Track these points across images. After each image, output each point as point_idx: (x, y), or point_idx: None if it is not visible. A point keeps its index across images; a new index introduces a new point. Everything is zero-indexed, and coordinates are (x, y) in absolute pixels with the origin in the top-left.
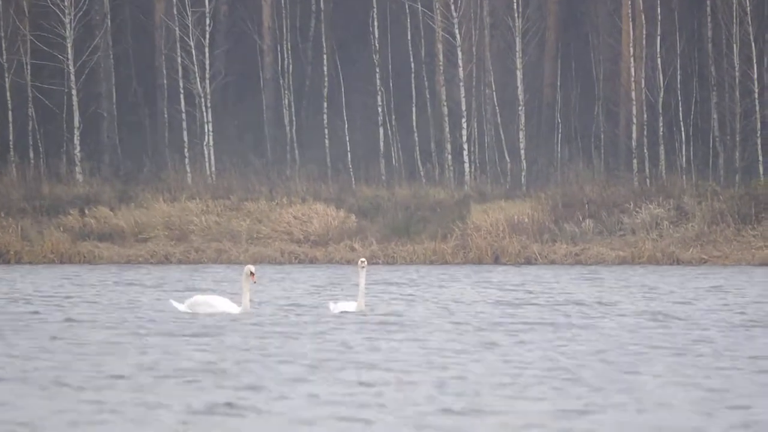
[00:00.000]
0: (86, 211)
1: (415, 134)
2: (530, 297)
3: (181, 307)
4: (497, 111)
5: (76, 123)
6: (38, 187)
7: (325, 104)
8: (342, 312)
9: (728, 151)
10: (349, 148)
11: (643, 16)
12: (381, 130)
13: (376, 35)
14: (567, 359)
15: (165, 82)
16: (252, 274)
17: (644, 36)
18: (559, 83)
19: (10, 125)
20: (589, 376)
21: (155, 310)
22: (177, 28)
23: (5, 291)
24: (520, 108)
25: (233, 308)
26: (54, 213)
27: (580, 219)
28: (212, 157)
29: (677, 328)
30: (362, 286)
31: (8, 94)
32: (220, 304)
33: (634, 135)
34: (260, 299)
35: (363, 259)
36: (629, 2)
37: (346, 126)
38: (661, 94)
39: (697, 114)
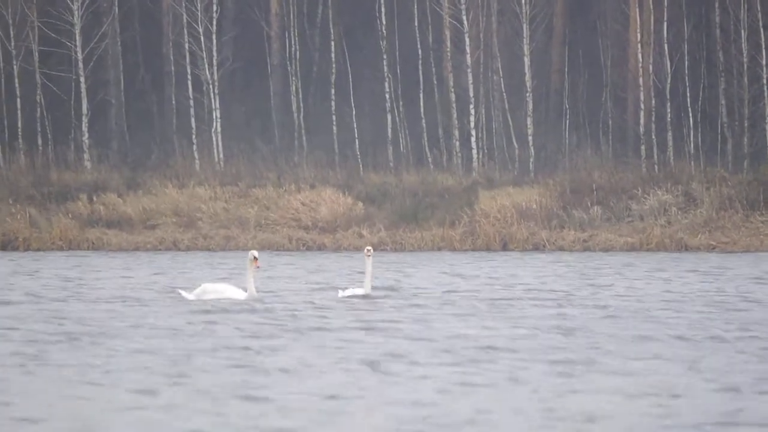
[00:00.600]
0: (94, 198)
1: (423, 120)
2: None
3: (190, 296)
4: (505, 97)
5: (84, 110)
6: (46, 174)
7: (333, 90)
8: (350, 296)
9: (736, 136)
10: (356, 135)
11: (650, 2)
12: (389, 117)
13: (384, 21)
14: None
15: (173, 68)
16: (255, 259)
17: (652, 22)
18: (566, 69)
19: (19, 112)
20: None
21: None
22: (185, 15)
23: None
24: (527, 94)
25: (240, 294)
26: (62, 200)
27: (589, 205)
28: (220, 144)
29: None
30: (369, 271)
31: (16, 81)
32: (227, 290)
33: (642, 121)
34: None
35: (369, 248)
36: None
37: (354, 112)
38: (669, 80)
39: (705, 100)
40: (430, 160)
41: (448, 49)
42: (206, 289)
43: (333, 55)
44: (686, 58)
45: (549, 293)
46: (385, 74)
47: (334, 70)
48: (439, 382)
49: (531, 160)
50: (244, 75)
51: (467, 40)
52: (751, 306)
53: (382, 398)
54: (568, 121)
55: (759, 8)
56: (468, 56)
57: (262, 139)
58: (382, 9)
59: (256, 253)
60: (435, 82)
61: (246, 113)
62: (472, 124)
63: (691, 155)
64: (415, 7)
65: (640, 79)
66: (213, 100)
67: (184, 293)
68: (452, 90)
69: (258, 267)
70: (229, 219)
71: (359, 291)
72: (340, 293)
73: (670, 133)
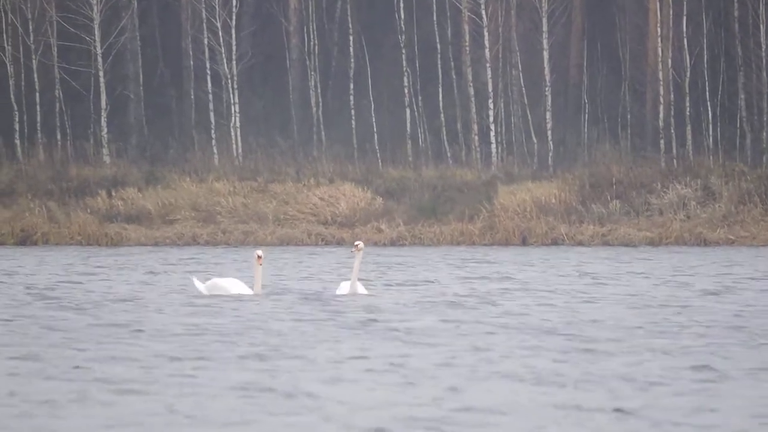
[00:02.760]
0: (113, 193)
1: (442, 115)
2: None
3: (202, 288)
4: (524, 92)
5: (103, 104)
6: (65, 168)
7: (351, 85)
8: (338, 294)
9: (755, 131)
10: (375, 129)
11: None
12: (407, 111)
13: (402, 16)
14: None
15: (191, 63)
16: (259, 257)
17: (671, 16)
18: (585, 64)
19: (38, 107)
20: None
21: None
22: (203, 9)
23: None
24: (546, 88)
25: (246, 291)
26: (81, 194)
27: (608, 199)
28: (239, 139)
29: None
30: (356, 269)
31: (35, 75)
32: (234, 287)
33: (661, 115)
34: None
35: (358, 243)
36: None
37: (373, 107)
38: (688, 74)
39: (724, 94)
40: (449, 154)
41: (467, 44)
42: (216, 284)
43: (351, 49)
44: (705, 52)
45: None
46: (404, 68)
47: (352, 65)
48: None
49: (550, 154)
50: (262, 70)
51: (486, 34)
52: None
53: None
54: (587, 116)
55: None
56: (487, 50)
57: (280, 134)
58: (401, 3)
59: (260, 251)
60: (454, 76)
61: (265, 108)
62: (491, 119)
63: (710, 149)
64: (434, 1)
65: (659, 73)
66: (232, 95)
67: (197, 283)
68: (471, 84)
69: (260, 265)
70: (248, 214)
71: (344, 290)
72: (338, 290)
73: (689, 127)
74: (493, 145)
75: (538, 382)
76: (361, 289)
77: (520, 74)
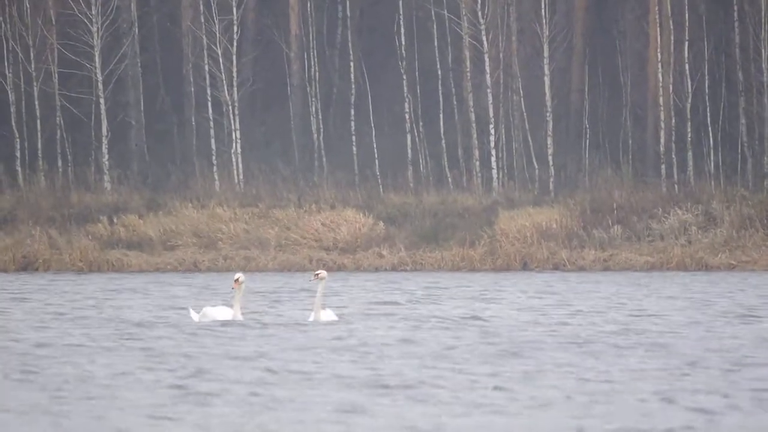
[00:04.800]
0: (114, 219)
1: (443, 141)
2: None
3: (195, 317)
4: (525, 117)
5: (104, 131)
6: (67, 195)
7: (353, 111)
8: (313, 321)
9: (756, 156)
10: (376, 155)
11: (670, 22)
12: (408, 137)
13: (403, 42)
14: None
15: (192, 89)
16: (236, 281)
17: (672, 41)
18: (586, 89)
19: (39, 134)
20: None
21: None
22: (204, 36)
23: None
24: (547, 114)
25: (228, 317)
26: (82, 221)
27: (609, 225)
28: (240, 165)
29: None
30: (318, 297)
31: (36, 102)
32: (219, 314)
33: (662, 140)
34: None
35: (319, 271)
36: (657, 8)
37: (374, 133)
38: (689, 100)
39: (725, 119)
40: (450, 180)
41: (468, 69)
42: (206, 313)
43: (352, 75)
44: (706, 77)
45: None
46: (405, 94)
47: (353, 91)
48: None
49: (551, 179)
50: (263, 96)
51: (487, 60)
52: None
53: None
54: (588, 141)
55: None
56: (488, 76)
57: (282, 160)
58: (402, 29)
59: (238, 275)
60: (455, 102)
61: (266, 134)
62: (492, 144)
63: (711, 174)
64: (435, 27)
65: (660, 99)
66: (233, 121)
67: (192, 312)
68: (472, 110)
69: (233, 288)
70: (250, 240)
71: (311, 318)
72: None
73: (690, 153)
74: (494, 171)
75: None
76: (328, 316)
77: (521, 99)
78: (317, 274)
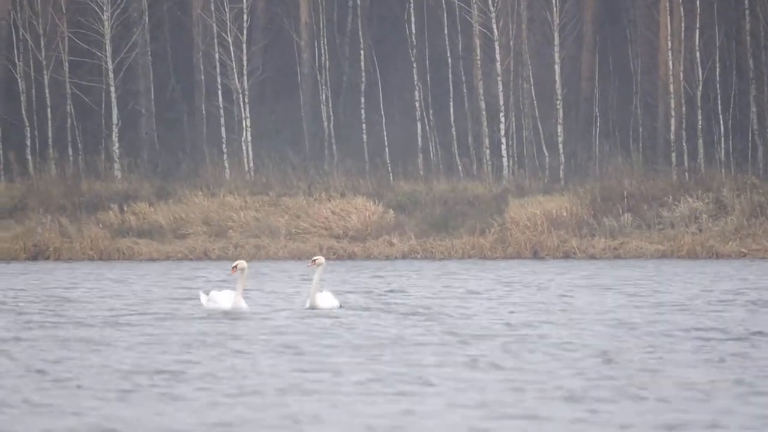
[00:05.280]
0: (125, 208)
1: (453, 128)
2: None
3: (204, 300)
4: (535, 105)
5: (115, 120)
6: (77, 183)
7: (363, 99)
8: (309, 308)
9: (767, 143)
10: (386, 143)
11: (681, 9)
12: (419, 125)
13: (413, 30)
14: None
15: (203, 78)
16: (234, 267)
17: (682, 29)
18: (597, 77)
19: (49, 122)
20: None
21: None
22: (214, 24)
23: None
24: (558, 102)
25: (241, 304)
26: (93, 209)
27: (619, 213)
28: (250, 153)
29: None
30: (314, 283)
31: (47, 91)
32: (221, 299)
33: (672, 128)
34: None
35: (316, 258)
36: None
37: (384, 121)
38: (700, 87)
39: (736, 107)
40: (460, 168)
41: (478, 57)
42: (213, 297)
43: (363, 64)
44: (717, 65)
45: None
46: (415, 82)
47: (363, 79)
48: None
49: (561, 167)
50: (274, 84)
51: (497, 48)
52: None
53: None
54: (598, 129)
55: None
56: (498, 64)
57: (292, 148)
58: (412, 17)
59: (239, 262)
60: (465, 90)
61: (276, 122)
62: (502, 132)
63: (722, 162)
64: (445, 15)
65: (671, 86)
66: (243, 110)
67: (202, 297)
68: (482, 98)
69: (231, 274)
70: (260, 228)
71: (306, 304)
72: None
73: (700, 140)
74: (505, 159)
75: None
76: (327, 302)
77: (532, 88)
78: (314, 260)
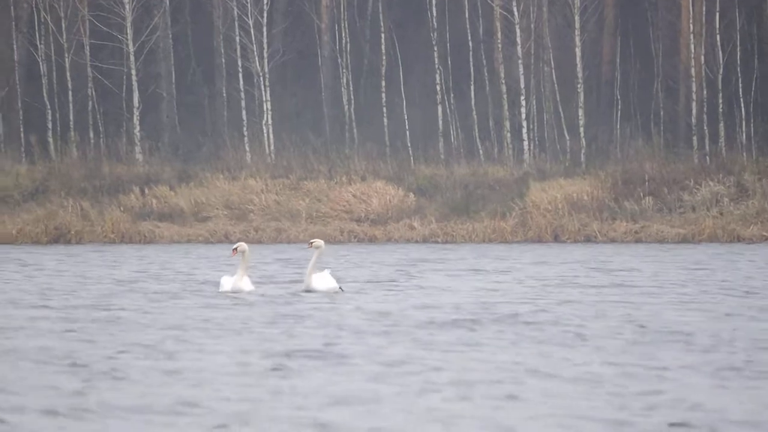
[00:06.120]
0: (146, 191)
1: (474, 112)
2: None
3: (223, 282)
4: (556, 88)
5: (136, 103)
6: (98, 167)
7: (383, 82)
8: (305, 290)
9: None
10: (407, 127)
11: None
12: (439, 108)
13: (434, 13)
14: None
15: (223, 61)
16: (234, 250)
17: (704, 12)
18: (618, 60)
19: (71, 105)
20: None
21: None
22: (235, 7)
23: None
24: (579, 85)
25: (249, 286)
26: (114, 192)
27: (640, 196)
28: (271, 136)
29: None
30: (311, 265)
31: (68, 74)
32: (225, 282)
33: (693, 112)
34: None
35: (314, 240)
36: None
37: (405, 104)
38: (721, 71)
39: (757, 90)
40: (480, 151)
41: (499, 41)
42: (222, 282)
43: (383, 47)
44: (738, 48)
45: None
46: (436, 66)
47: (384, 62)
48: None
49: (582, 151)
50: (294, 67)
51: (518, 31)
52: None
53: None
54: (619, 112)
55: None
56: (519, 47)
57: (312, 132)
58: (433, 0)
59: (239, 245)
60: (486, 73)
61: (297, 105)
62: (523, 116)
63: (743, 146)
64: None
65: (692, 70)
66: (264, 93)
67: (223, 279)
68: (503, 81)
69: (232, 257)
70: (281, 211)
71: (302, 286)
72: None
73: (721, 124)
74: (525, 142)
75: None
76: (324, 284)
77: (553, 71)
78: (312, 243)
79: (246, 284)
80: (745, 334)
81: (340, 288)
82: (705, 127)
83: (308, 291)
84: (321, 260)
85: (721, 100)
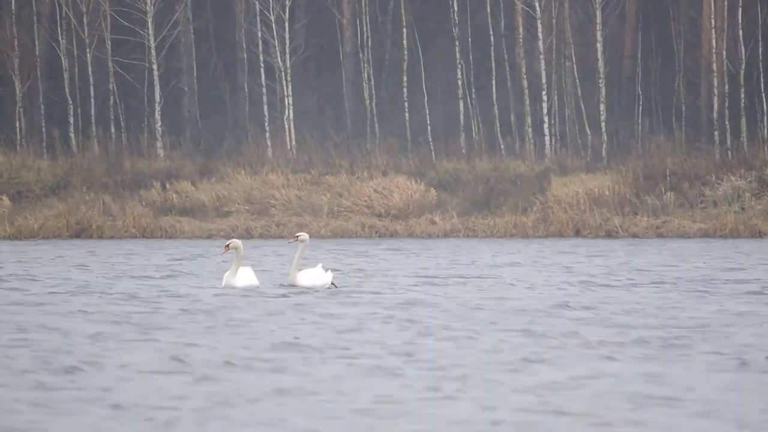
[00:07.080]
0: (167, 186)
1: (495, 107)
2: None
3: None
4: (578, 83)
5: (157, 98)
6: (120, 161)
7: (405, 77)
8: (290, 284)
9: None
10: (428, 122)
11: None
12: (461, 103)
13: (456, 8)
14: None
15: (245, 56)
16: (226, 247)
17: (725, 7)
18: (639, 55)
19: (92, 100)
20: None
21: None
22: (257, 2)
23: None
24: (600, 80)
25: (254, 281)
26: (135, 187)
27: (662, 191)
28: (293, 131)
29: None
30: (297, 257)
31: (90, 69)
32: (225, 276)
33: (715, 107)
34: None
35: (300, 234)
36: None
37: (426, 99)
38: (743, 65)
39: None
40: (502, 146)
41: (521, 36)
42: (225, 277)
43: (405, 42)
44: (760, 43)
45: None
46: (458, 61)
47: (406, 57)
48: None
49: (603, 146)
50: (316, 62)
51: (540, 26)
52: None
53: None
54: (640, 107)
55: None
56: (540, 42)
57: (334, 127)
58: None
59: (232, 241)
60: (507, 68)
61: (318, 100)
62: (545, 111)
63: (765, 140)
64: None
65: (714, 65)
66: (285, 88)
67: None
68: (524, 76)
69: (223, 254)
70: (302, 206)
71: (288, 280)
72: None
73: (743, 119)
74: (547, 137)
75: None
76: (309, 280)
77: (574, 66)
78: (297, 236)
79: (250, 279)
80: None
81: (333, 284)
82: (726, 122)
83: (292, 285)
84: (325, 259)
85: (742, 95)
